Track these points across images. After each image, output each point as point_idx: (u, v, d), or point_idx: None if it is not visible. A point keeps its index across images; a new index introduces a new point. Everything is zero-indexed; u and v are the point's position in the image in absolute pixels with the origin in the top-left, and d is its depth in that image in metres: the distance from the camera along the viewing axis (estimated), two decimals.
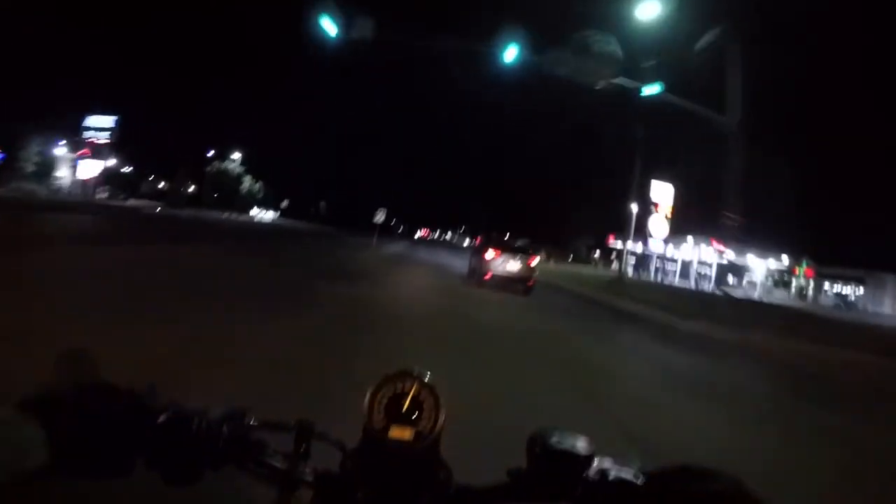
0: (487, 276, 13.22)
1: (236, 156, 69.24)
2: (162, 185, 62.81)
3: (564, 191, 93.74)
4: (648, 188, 26.43)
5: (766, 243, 38.16)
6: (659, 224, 26.23)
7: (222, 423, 0.61)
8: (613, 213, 34.53)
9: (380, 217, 27.14)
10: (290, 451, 0.62)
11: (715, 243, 29.82)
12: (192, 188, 63.19)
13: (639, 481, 0.55)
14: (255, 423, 0.64)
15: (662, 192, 27.15)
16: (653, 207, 26.43)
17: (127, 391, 0.60)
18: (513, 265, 13.38)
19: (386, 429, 0.62)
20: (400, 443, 0.61)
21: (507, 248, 13.77)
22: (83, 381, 0.60)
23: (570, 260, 63.86)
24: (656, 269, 47.63)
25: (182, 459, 0.59)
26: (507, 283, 13.18)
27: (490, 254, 13.47)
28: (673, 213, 27.48)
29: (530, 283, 13.54)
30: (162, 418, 0.59)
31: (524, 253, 13.77)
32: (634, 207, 25.18)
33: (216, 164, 66.70)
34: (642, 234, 28.45)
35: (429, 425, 0.63)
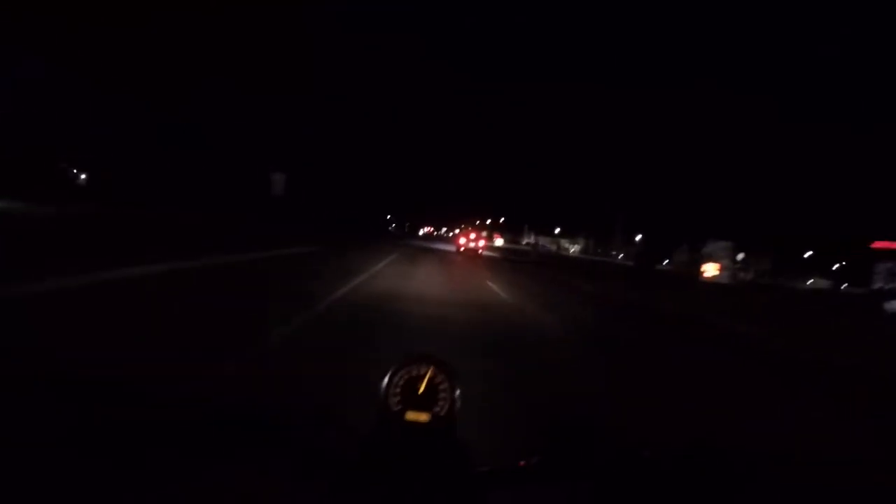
0: (460, 248, 29.45)
1: None
2: None
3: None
4: None
5: None
6: None
7: (243, 408, 0.63)
8: None
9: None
10: (309, 435, 0.62)
11: None
12: None
13: (656, 459, 0.58)
14: (273, 408, 0.66)
15: None
16: None
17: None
18: (471, 243, 29.68)
19: (402, 412, 0.63)
20: (416, 426, 0.62)
21: (467, 236, 30.21)
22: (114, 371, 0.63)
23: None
24: None
25: (197, 445, 0.60)
26: (469, 251, 28.89)
27: (461, 239, 30.19)
28: None
29: (479, 252, 29.63)
30: (182, 401, 0.63)
31: (478, 236, 30.54)
32: None
33: None
34: None
35: (445, 408, 0.64)
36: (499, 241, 49.74)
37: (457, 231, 38.00)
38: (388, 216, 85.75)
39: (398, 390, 0.65)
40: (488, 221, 79.72)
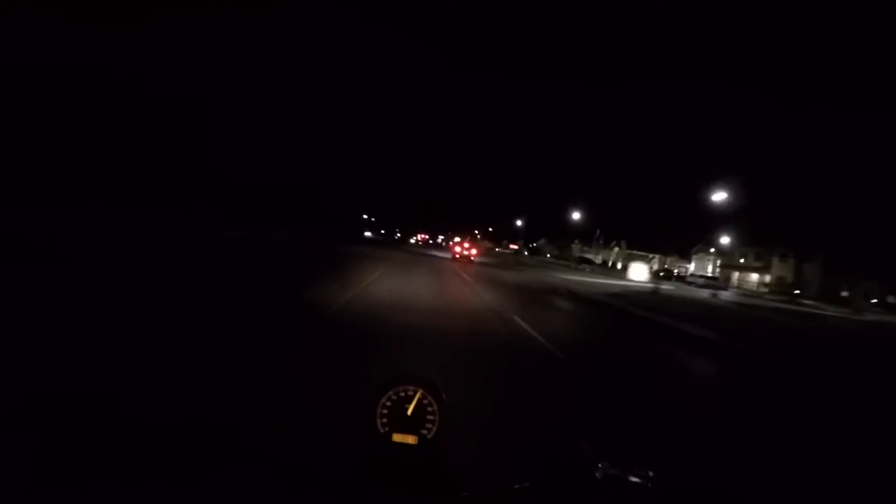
0: (455, 255, 33.90)
1: None
2: None
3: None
4: None
5: None
6: None
7: (230, 427, 0.63)
8: None
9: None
10: (298, 455, 0.61)
11: None
12: None
13: (649, 486, 0.58)
14: (262, 427, 0.65)
15: None
16: None
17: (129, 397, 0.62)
18: (464, 251, 34.04)
19: (389, 434, 0.62)
20: (404, 448, 0.61)
21: (461, 244, 34.97)
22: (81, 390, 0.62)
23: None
24: None
25: (188, 463, 0.59)
26: (463, 258, 32.73)
27: (456, 248, 35.23)
28: None
29: (473, 259, 32.99)
30: (170, 422, 0.61)
31: (471, 244, 35.37)
32: None
33: None
34: None
35: (433, 431, 0.63)
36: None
37: (456, 239, 42.69)
38: (366, 216, 77.92)
39: (385, 412, 0.64)
40: (490, 229, 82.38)
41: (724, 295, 29.04)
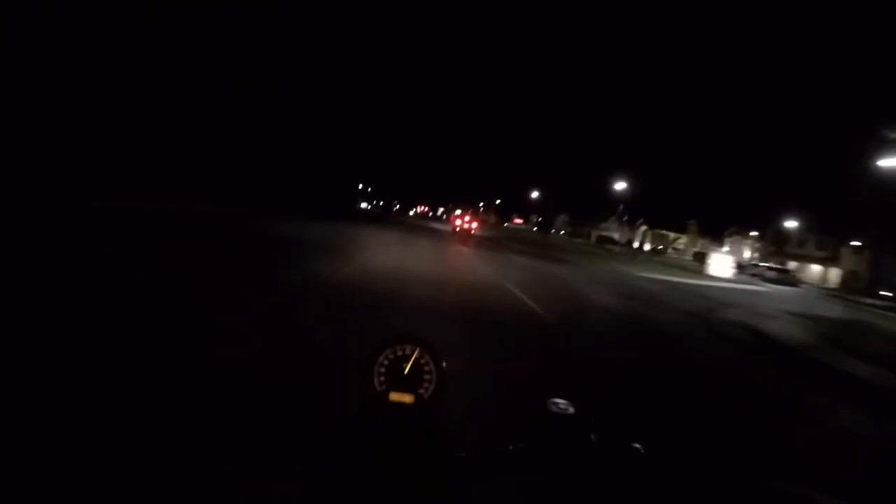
0: (455, 229, 29.17)
1: None
2: None
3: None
4: None
5: None
6: None
7: (218, 390, 0.61)
8: None
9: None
10: (289, 418, 0.60)
11: None
12: None
13: (639, 449, 0.58)
14: (253, 391, 0.63)
15: None
16: None
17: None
18: (464, 224, 29.49)
19: (386, 393, 0.62)
20: (400, 407, 0.60)
21: (462, 218, 29.90)
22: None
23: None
24: None
25: (177, 425, 0.59)
26: (463, 231, 28.80)
27: (457, 220, 29.69)
28: None
29: (472, 232, 28.94)
30: (156, 383, 0.60)
31: (472, 218, 29.70)
32: None
33: None
34: None
35: (430, 390, 0.62)
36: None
37: (457, 212, 37.93)
38: (362, 186, 73.07)
39: (382, 370, 0.63)
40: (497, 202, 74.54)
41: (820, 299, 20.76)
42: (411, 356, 0.63)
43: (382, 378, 0.62)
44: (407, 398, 0.61)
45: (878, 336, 9.22)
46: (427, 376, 0.63)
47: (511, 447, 0.60)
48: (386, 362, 0.63)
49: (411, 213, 78.33)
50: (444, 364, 0.63)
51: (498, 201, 76.15)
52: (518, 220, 68.13)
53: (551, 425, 0.59)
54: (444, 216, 73.01)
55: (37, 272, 4.43)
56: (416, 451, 0.58)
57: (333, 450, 0.57)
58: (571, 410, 0.60)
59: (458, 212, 35.77)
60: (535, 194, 50.34)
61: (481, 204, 72.15)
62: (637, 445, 0.58)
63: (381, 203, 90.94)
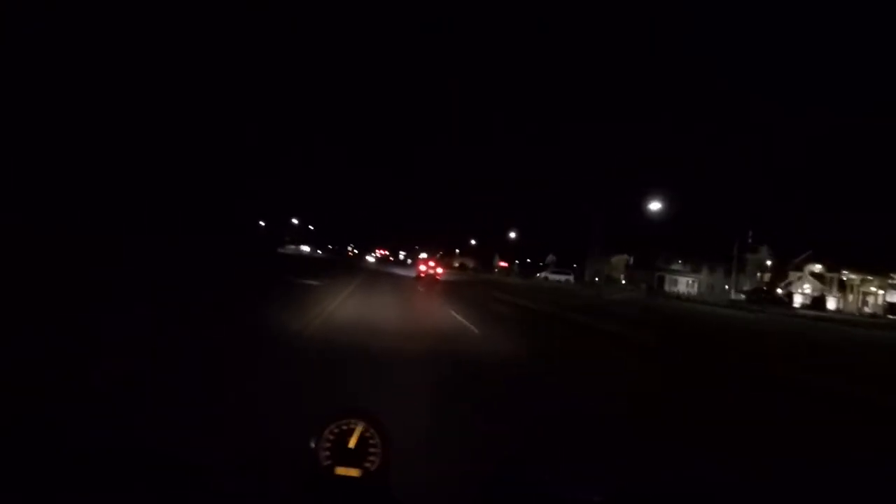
0: (421, 274, 29.35)
1: None
2: None
3: None
4: None
5: None
6: None
7: (175, 466, 0.60)
8: None
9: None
10: (243, 490, 0.59)
11: None
12: None
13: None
14: (208, 465, 0.62)
15: None
16: None
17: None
18: (430, 270, 29.89)
19: (332, 467, 0.61)
20: (347, 481, 0.59)
21: (426, 263, 31.00)
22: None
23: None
24: None
25: (120, 485, 0.57)
26: (428, 277, 28.99)
27: (422, 266, 30.55)
28: None
29: (438, 277, 29.54)
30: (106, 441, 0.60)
31: (436, 264, 31.27)
32: None
33: None
34: None
35: (377, 463, 0.61)
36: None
37: (422, 256, 38.85)
38: (297, 221, 63.47)
39: (328, 444, 0.62)
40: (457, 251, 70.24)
41: None
42: (356, 430, 0.62)
43: (328, 453, 0.61)
44: (353, 472, 0.60)
45: None
46: (373, 449, 0.62)
47: None
48: (331, 437, 0.62)
49: (370, 258, 63.10)
50: (390, 436, 0.62)
51: (473, 241, 68.59)
52: (503, 264, 62.86)
53: (504, 492, 0.59)
54: (409, 261, 69.84)
55: None
56: None
57: None
58: (528, 476, 0.60)
59: (424, 256, 36.31)
60: (512, 234, 46.78)
61: (457, 251, 70.76)
62: (597, 499, 0.58)
63: (334, 247, 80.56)
